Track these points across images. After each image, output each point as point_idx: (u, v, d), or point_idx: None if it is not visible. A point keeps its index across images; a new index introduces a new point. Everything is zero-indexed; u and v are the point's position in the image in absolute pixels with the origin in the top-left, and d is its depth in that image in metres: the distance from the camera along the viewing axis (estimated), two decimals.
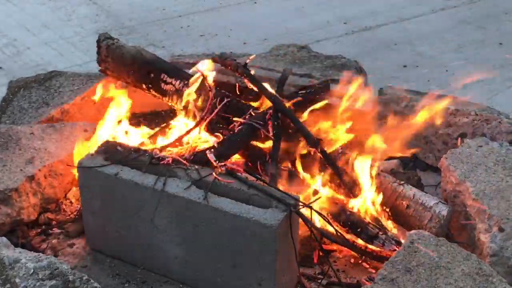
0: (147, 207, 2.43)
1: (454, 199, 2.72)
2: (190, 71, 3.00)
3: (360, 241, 2.59)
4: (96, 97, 3.29)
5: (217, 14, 5.83)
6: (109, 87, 3.24)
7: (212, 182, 2.36)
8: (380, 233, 2.56)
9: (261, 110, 2.86)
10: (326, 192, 2.74)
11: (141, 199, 2.43)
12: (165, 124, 3.06)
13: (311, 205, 2.36)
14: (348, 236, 2.60)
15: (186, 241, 2.41)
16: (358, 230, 2.59)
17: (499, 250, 2.36)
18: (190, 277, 2.47)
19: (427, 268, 2.20)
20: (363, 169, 2.74)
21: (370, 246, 2.57)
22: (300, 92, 3.04)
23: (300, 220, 2.34)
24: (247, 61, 2.91)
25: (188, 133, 2.80)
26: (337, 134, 2.86)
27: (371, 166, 2.76)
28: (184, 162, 2.49)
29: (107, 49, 3.17)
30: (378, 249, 2.55)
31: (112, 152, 2.56)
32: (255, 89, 2.86)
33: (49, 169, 2.82)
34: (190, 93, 2.88)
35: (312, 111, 2.91)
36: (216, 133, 2.79)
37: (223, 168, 2.42)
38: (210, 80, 2.91)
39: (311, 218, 2.35)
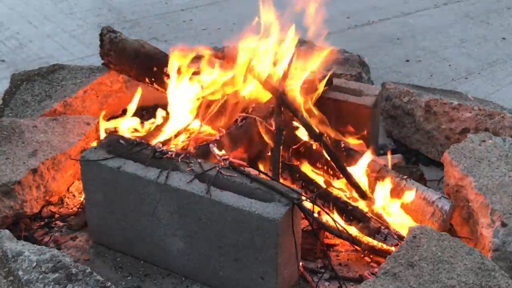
0: (149, 201, 2.43)
1: (457, 193, 2.72)
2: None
3: (362, 236, 2.59)
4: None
5: (220, 8, 5.81)
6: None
7: (214, 175, 2.36)
8: (382, 227, 2.56)
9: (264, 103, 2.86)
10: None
11: (143, 193, 2.43)
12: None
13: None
14: (351, 230, 2.60)
15: (189, 234, 2.41)
16: (360, 224, 2.59)
17: (501, 245, 2.35)
18: (192, 270, 2.47)
19: (430, 262, 2.20)
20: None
21: (372, 241, 2.57)
22: None
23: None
24: None
25: (187, 126, 2.81)
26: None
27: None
28: (187, 155, 2.49)
29: (110, 43, 3.18)
30: (380, 243, 2.55)
31: (115, 145, 2.56)
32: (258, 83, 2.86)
33: (52, 162, 2.82)
34: None
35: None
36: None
37: (226, 162, 2.42)
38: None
39: (313, 212, 2.36)
